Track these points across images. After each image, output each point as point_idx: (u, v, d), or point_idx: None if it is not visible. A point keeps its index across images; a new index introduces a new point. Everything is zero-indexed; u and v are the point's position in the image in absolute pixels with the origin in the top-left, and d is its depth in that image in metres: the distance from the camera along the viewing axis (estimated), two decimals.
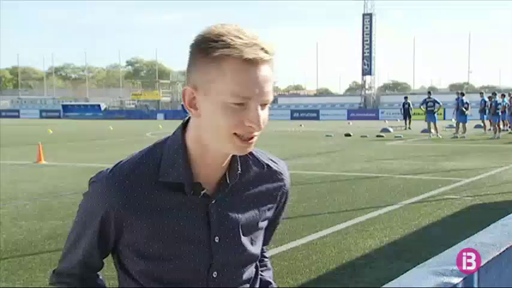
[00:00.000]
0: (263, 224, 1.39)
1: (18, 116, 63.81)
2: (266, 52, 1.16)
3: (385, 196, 8.34)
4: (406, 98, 30.55)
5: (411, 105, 29.78)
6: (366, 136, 22.86)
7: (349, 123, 40.58)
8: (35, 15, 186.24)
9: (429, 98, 23.12)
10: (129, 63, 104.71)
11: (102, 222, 1.27)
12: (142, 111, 62.30)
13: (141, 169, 1.26)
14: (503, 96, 26.08)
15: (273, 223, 1.46)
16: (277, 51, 1.20)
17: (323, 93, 77.70)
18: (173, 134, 1.30)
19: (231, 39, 1.14)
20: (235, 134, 1.17)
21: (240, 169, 1.30)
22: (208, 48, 1.15)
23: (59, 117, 62.36)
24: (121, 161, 1.30)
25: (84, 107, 65.63)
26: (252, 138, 1.19)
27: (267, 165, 1.38)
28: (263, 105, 1.18)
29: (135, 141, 20.95)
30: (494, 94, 24.10)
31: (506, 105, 25.32)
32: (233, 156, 1.29)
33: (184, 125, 1.28)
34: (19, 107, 69.30)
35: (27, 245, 5.59)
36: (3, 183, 9.81)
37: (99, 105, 64.13)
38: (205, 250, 1.28)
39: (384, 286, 1.24)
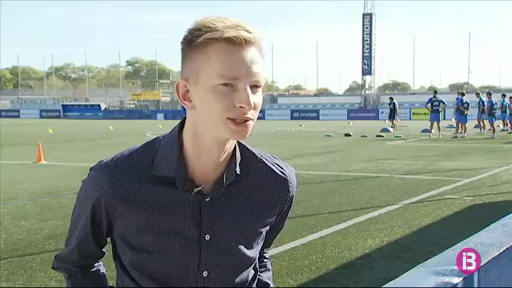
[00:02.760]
0: (263, 229, 1.37)
1: (18, 116, 63.80)
2: (249, 32, 1.16)
3: (385, 196, 8.34)
4: (391, 98, 30.99)
5: (397, 106, 30.12)
6: (366, 136, 22.86)
7: (349, 123, 40.58)
8: (35, 15, 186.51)
9: (435, 97, 23.11)
10: (129, 63, 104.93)
11: (93, 209, 1.29)
12: (142, 111, 62.28)
13: (136, 161, 1.27)
14: (503, 96, 26.10)
15: (275, 228, 1.45)
16: (263, 38, 1.21)
17: (323, 93, 77.73)
18: (171, 130, 1.31)
19: (212, 23, 1.16)
20: (228, 118, 1.16)
21: (238, 169, 1.29)
22: (193, 37, 1.17)
23: (59, 117, 62.35)
24: (120, 152, 1.32)
25: (84, 107, 65.62)
26: (246, 121, 1.17)
27: (271, 169, 1.36)
28: (253, 88, 1.17)
29: (135, 141, 20.75)
30: (490, 94, 24.10)
31: (507, 105, 25.35)
32: (232, 154, 1.29)
33: (183, 121, 1.29)
34: (19, 107, 69.29)
35: (27, 245, 5.59)
36: (3, 183, 9.81)
37: (99, 105, 64.11)
38: (195, 247, 1.28)
39: (383, 286, 1.24)
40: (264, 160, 1.36)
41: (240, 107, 1.15)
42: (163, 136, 1.32)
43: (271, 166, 1.37)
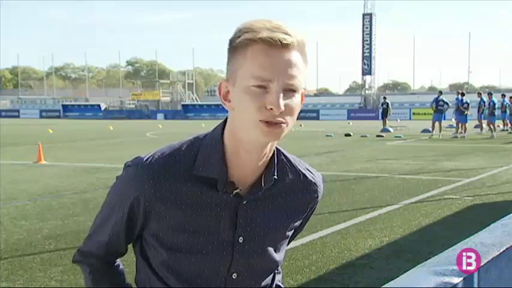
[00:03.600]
0: (290, 232, 1.39)
1: (18, 116, 63.78)
2: (287, 34, 1.15)
3: (385, 196, 8.34)
4: (384, 98, 30.08)
5: (390, 106, 29.19)
6: (366, 136, 22.86)
7: (349, 123, 40.58)
8: (35, 15, 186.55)
9: (440, 97, 23.07)
10: (129, 63, 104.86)
11: (131, 206, 1.28)
12: (142, 111, 62.26)
13: (177, 160, 1.26)
14: (503, 96, 26.11)
15: (296, 230, 1.46)
16: (307, 41, 1.19)
17: (323, 93, 77.72)
18: (214, 129, 1.30)
19: (252, 24, 1.16)
20: (260, 120, 1.15)
21: (276, 174, 1.29)
22: (234, 38, 1.18)
23: (59, 117, 62.32)
24: (159, 150, 1.30)
25: (84, 107, 65.60)
26: (279, 124, 1.16)
27: (304, 175, 1.37)
28: (288, 91, 1.16)
29: (135, 141, 20.95)
30: (491, 94, 24.10)
31: (507, 105, 25.36)
32: (271, 159, 1.28)
33: (225, 121, 1.28)
34: (19, 107, 69.27)
35: (27, 245, 5.59)
36: (3, 183, 9.80)
37: (99, 105, 64.10)
38: (228, 249, 1.28)
39: (383, 286, 1.24)
40: (297, 165, 1.37)
41: (270, 108, 1.14)
42: (205, 135, 1.30)
43: (304, 171, 1.38)
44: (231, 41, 1.19)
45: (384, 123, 28.39)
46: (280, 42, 1.14)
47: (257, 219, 1.30)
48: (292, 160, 1.37)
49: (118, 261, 1.43)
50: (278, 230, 1.34)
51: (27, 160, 13.63)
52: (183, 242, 1.27)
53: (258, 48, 1.14)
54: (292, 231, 1.40)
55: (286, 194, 1.34)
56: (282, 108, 1.14)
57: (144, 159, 1.27)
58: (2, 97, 76.56)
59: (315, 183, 1.40)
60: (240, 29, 1.18)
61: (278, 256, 1.36)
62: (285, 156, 1.35)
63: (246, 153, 1.24)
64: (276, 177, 1.29)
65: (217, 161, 1.24)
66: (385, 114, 28.80)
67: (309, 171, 1.40)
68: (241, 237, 1.28)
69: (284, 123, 1.17)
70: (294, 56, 1.16)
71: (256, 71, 1.14)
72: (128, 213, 1.29)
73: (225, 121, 1.28)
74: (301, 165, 1.39)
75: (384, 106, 28.87)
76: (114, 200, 1.32)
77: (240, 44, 1.16)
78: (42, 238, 5.86)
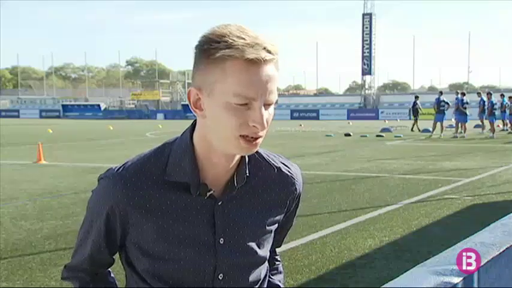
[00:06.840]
0: (272, 227, 1.38)
1: (18, 116, 63.79)
2: (269, 52, 1.14)
3: (385, 196, 8.34)
4: (417, 97, 28.15)
5: (420, 106, 27.59)
6: (366, 136, 22.87)
7: (349, 123, 40.59)
8: (35, 15, 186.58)
9: (440, 98, 22.97)
10: (129, 63, 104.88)
11: (107, 218, 1.28)
12: (142, 111, 62.28)
13: (148, 168, 1.26)
14: (502, 96, 26.10)
15: (284, 226, 1.46)
16: (279, 51, 1.19)
17: (323, 93, 77.73)
18: (182, 133, 1.30)
19: (232, 39, 1.13)
20: (240, 135, 1.16)
21: (248, 172, 1.29)
22: (210, 49, 1.14)
23: (58, 117, 62.34)
24: (131, 159, 1.30)
25: (84, 107, 65.62)
26: (257, 138, 1.18)
27: (279, 168, 1.36)
28: (267, 105, 1.17)
29: (135, 141, 20.95)
30: (490, 94, 24.08)
31: (507, 105, 25.36)
32: (242, 158, 1.28)
33: (194, 125, 1.28)
34: (19, 107, 69.28)
35: (27, 245, 5.59)
36: (3, 183, 9.81)
37: (99, 105, 64.13)
38: (210, 252, 1.28)
39: (383, 286, 1.24)
40: (271, 160, 1.37)
41: (253, 126, 1.15)
42: (174, 140, 1.30)
43: (279, 165, 1.37)
44: (206, 51, 1.15)
45: (415, 123, 26.73)
46: (264, 60, 1.13)
47: (235, 219, 1.29)
48: (265, 155, 1.36)
49: (109, 269, 1.43)
50: (258, 227, 1.33)
51: (27, 160, 13.64)
52: (164, 250, 1.26)
53: (239, 65, 1.12)
54: (276, 225, 1.39)
55: (262, 190, 1.33)
56: (266, 126, 1.16)
57: (115, 170, 1.27)
58: (2, 97, 76.56)
59: (291, 176, 1.38)
60: (216, 40, 1.14)
61: (263, 251, 1.36)
62: (258, 152, 1.34)
63: (218, 159, 1.25)
64: (247, 174, 1.29)
65: (188, 165, 1.24)
66: (415, 113, 27.15)
67: (285, 164, 1.39)
68: (221, 239, 1.28)
69: (261, 137, 1.19)
70: (271, 69, 1.16)
71: (239, 89, 1.13)
72: (106, 225, 1.29)
73: (193, 125, 1.28)
74: (276, 159, 1.38)
75: (417, 107, 27.14)
76: (91, 213, 1.32)
77: (218, 57, 1.13)
78: (42, 238, 5.86)
